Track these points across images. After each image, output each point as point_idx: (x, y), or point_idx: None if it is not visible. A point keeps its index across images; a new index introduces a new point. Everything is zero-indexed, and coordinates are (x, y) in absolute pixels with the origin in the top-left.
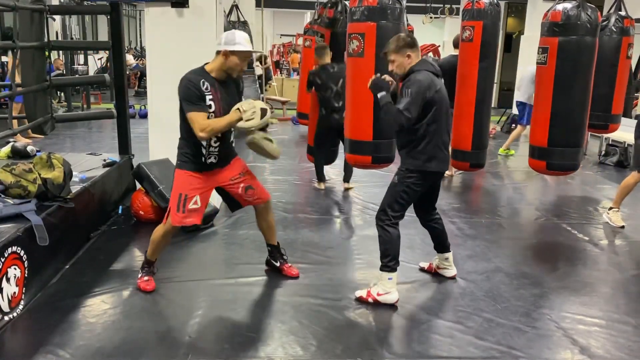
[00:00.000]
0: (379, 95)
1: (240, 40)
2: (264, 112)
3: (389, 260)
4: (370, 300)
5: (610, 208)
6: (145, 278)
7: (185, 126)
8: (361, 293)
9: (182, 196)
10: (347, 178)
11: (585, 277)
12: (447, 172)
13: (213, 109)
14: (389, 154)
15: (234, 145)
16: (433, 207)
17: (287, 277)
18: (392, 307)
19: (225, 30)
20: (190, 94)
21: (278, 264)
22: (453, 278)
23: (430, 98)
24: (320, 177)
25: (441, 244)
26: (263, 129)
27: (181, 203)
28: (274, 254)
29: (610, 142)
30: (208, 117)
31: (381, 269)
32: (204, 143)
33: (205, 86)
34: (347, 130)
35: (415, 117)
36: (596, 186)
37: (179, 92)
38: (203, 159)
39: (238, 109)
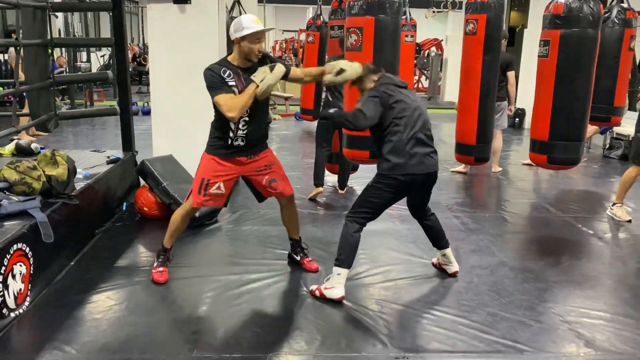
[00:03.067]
0: (331, 112)
1: (246, 24)
2: (272, 68)
3: (341, 253)
4: (317, 293)
5: (614, 204)
6: (160, 269)
7: (215, 110)
8: (312, 286)
9: (205, 180)
10: (342, 185)
11: (590, 271)
12: (493, 170)
13: (237, 94)
14: None
15: (267, 134)
16: (424, 209)
17: (292, 272)
18: (396, 301)
19: (227, 26)
20: (212, 80)
21: (298, 258)
22: (454, 275)
23: (390, 105)
24: (318, 181)
25: (436, 241)
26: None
27: (202, 187)
28: (295, 248)
29: (614, 136)
30: None
31: (334, 263)
32: (232, 126)
33: (227, 73)
34: None
35: (373, 117)
36: (600, 180)
37: (205, 82)
38: (230, 141)
39: (252, 79)
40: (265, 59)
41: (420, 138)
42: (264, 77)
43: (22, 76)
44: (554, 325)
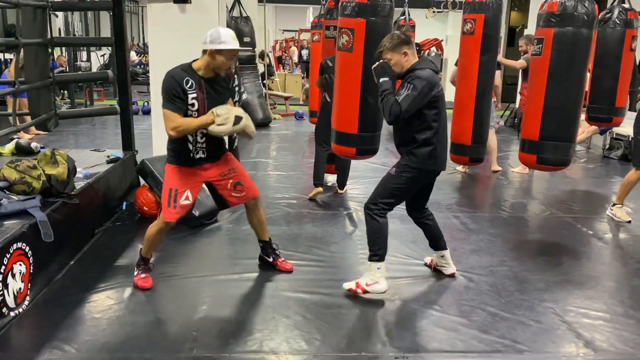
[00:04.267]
0: (381, 80)
1: (225, 39)
2: (237, 119)
3: (378, 248)
4: (359, 291)
5: (614, 204)
6: (142, 275)
7: None
8: (350, 285)
9: (173, 191)
10: (341, 185)
11: (590, 271)
12: (493, 169)
13: (196, 107)
14: (373, 146)
15: (237, 144)
16: (425, 205)
17: (288, 272)
18: (396, 301)
19: (227, 25)
20: (169, 90)
21: (271, 260)
22: (452, 276)
23: (436, 96)
24: (318, 180)
25: (435, 242)
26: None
27: (172, 198)
28: (266, 249)
29: (614, 136)
30: (190, 116)
31: (370, 259)
32: (190, 139)
33: (189, 84)
34: (333, 122)
35: (411, 112)
36: (600, 180)
37: (161, 86)
38: (191, 154)
39: (212, 112)
40: (233, 74)
41: (445, 132)
42: (226, 118)
43: (12, 75)
44: (553, 325)
